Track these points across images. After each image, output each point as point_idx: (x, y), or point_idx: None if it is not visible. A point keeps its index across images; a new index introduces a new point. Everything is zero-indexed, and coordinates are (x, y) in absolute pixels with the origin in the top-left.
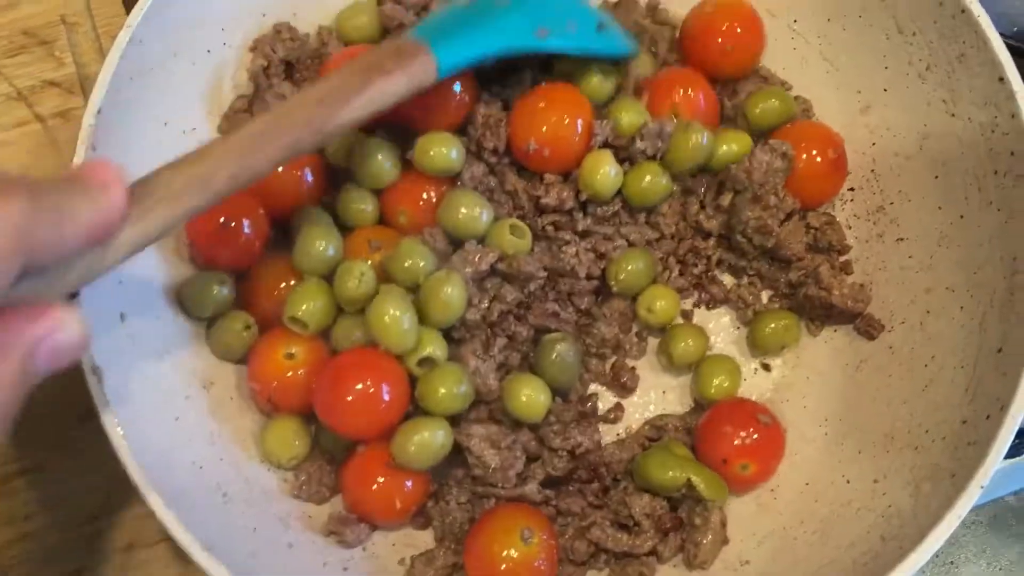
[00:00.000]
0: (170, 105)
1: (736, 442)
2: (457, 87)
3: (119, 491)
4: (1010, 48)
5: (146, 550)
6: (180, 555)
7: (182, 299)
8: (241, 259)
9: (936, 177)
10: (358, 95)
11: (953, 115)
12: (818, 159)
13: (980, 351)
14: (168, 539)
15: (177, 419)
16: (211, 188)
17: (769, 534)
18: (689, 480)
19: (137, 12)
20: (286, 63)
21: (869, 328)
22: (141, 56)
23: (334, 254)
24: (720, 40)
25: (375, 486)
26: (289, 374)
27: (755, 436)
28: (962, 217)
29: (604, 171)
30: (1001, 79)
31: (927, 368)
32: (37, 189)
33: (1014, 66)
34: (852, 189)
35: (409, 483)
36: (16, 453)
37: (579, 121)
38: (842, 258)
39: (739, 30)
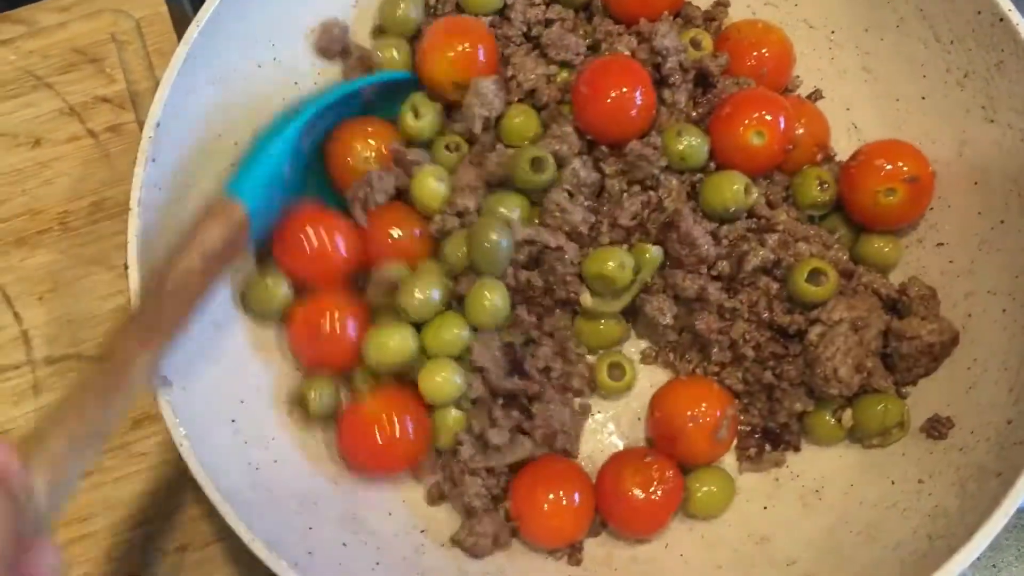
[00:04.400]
0: (222, 119)
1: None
2: None
3: (172, 495)
4: None
5: (198, 552)
6: (231, 557)
7: (244, 301)
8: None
9: (976, 183)
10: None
11: (992, 122)
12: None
13: None
14: (219, 541)
15: (234, 421)
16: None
17: (815, 534)
18: None
19: (193, 29)
20: None
21: (937, 427)
22: (195, 72)
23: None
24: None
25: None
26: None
27: None
28: (1003, 222)
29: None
30: None
31: (970, 371)
32: None
33: None
34: None
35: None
36: None
37: None
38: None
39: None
